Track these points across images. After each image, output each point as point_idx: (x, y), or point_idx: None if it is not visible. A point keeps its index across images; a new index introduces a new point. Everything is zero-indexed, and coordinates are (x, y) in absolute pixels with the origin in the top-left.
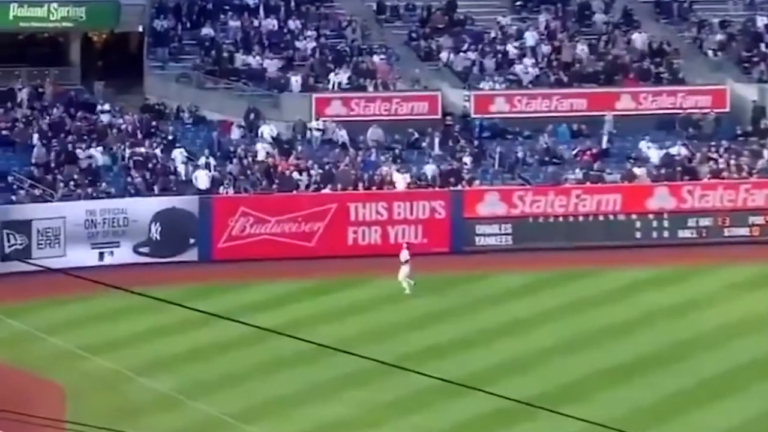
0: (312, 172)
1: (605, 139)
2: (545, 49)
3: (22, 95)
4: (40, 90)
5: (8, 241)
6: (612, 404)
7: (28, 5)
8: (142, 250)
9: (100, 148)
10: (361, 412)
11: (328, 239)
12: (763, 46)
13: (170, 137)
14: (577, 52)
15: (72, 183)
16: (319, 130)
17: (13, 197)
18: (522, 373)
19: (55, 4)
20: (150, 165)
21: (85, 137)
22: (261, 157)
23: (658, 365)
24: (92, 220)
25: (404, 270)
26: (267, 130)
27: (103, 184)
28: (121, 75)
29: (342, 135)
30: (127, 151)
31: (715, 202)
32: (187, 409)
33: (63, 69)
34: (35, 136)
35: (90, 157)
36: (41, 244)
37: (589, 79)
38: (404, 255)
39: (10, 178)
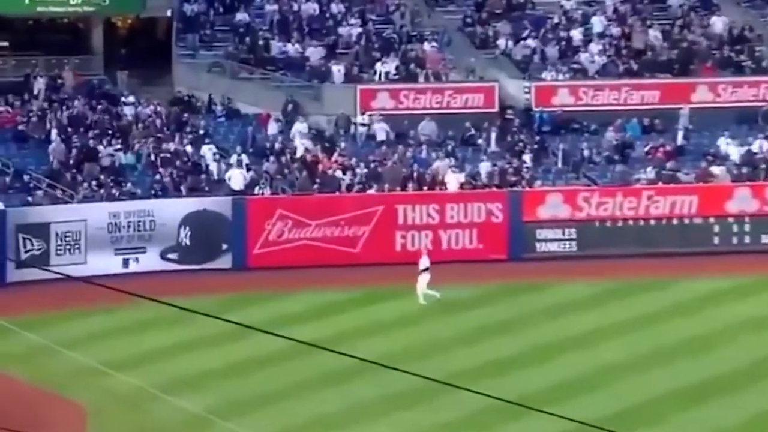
0: (357, 170)
1: (680, 134)
2: (614, 34)
3: (39, 86)
4: (59, 81)
5: (24, 246)
6: (688, 426)
7: None
8: (170, 256)
9: (124, 144)
10: None
11: (374, 245)
12: None
13: (201, 132)
14: (649, 38)
15: (94, 182)
16: (363, 124)
17: (30, 198)
18: (588, 392)
19: None
20: (179, 163)
21: (108, 132)
22: (300, 154)
23: (740, 384)
24: (116, 224)
25: (423, 279)
26: (300, 128)
27: (128, 184)
28: (148, 64)
29: (383, 128)
30: (154, 148)
31: None
32: (219, 430)
33: (84, 57)
34: (53, 131)
35: (113, 153)
36: (60, 249)
37: (662, 69)
38: (423, 262)
39: (26, 178)
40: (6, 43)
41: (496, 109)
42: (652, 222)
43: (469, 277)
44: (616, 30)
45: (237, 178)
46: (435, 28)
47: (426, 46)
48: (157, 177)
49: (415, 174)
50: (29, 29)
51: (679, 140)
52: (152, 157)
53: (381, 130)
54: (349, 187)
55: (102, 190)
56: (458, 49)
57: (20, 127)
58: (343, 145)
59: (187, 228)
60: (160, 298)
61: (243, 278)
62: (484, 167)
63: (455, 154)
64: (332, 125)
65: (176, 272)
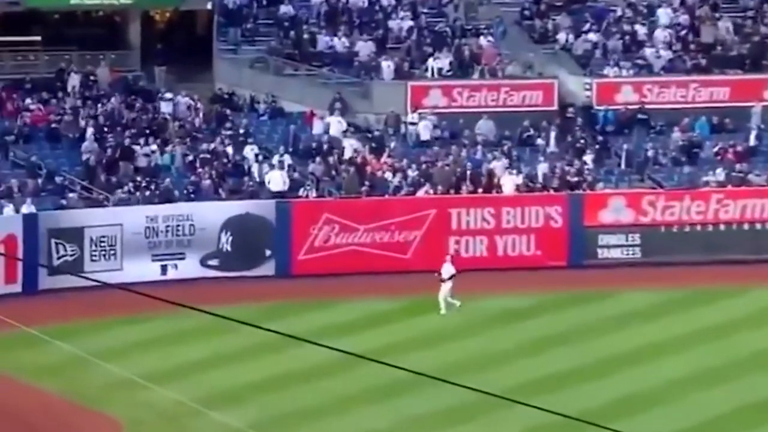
0: (408, 172)
1: (752, 134)
2: (681, 28)
3: (73, 82)
4: (93, 77)
5: (57, 252)
6: None
7: None
8: (210, 262)
9: (161, 144)
10: None
11: (425, 251)
12: None
13: (243, 131)
14: (719, 32)
15: (130, 184)
16: (414, 123)
17: (63, 201)
18: (652, 407)
19: None
20: (219, 164)
21: (145, 131)
22: (348, 155)
23: None
24: (153, 228)
25: (445, 287)
26: (335, 122)
27: (167, 184)
28: (187, 60)
29: (427, 126)
30: (193, 148)
31: None
32: None
33: (120, 53)
34: (88, 130)
35: (149, 154)
36: (95, 255)
37: (732, 64)
38: (447, 270)
39: (58, 179)
40: (38, 38)
41: (555, 107)
42: (722, 227)
43: (527, 286)
44: (683, 22)
45: (276, 180)
46: (490, 22)
47: (481, 40)
48: (197, 179)
49: (469, 176)
50: (63, 23)
51: (751, 140)
52: (191, 158)
53: (425, 129)
54: (397, 189)
55: (138, 193)
56: (515, 43)
57: (53, 126)
58: (392, 145)
59: (229, 233)
60: (200, 307)
61: (287, 286)
62: (543, 168)
63: (512, 155)
64: (381, 124)
65: (217, 279)
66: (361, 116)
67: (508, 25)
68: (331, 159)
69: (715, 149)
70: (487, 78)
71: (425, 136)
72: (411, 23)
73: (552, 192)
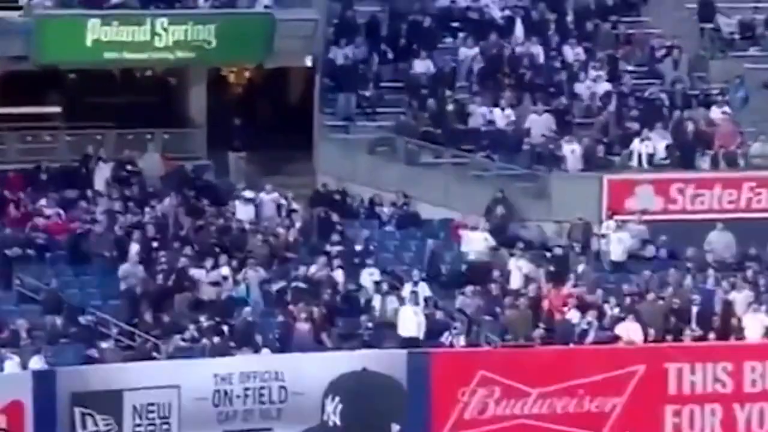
0: (605, 309)
1: None
2: None
3: (104, 174)
4: (134, 168)
5: (84, 426)
6: None
7: (117, 23)
8: None
9: (236, 268)
10: None
11: (630, 425)
12: None
13: (358, 248)
14: None
15: (191, 327)
16: (603, 235)
17: (93, 352)
18: None
19: (164, 20)
20: (323, 296)
21: (213, 248)
22: (516, 284)
23: None
24: (225, 392)
25: None
26: (480, 239)
27: (244, 327)
28: (276, 141)
29: (621, 239)
30: (283, 272)
31: None
32: None
33: (176, 131)
34: (132, 247)
35: (219, 282)
36: (139, 430)
37: None
38: None
39: (84, 320)
40: (58, 109)
41: None
42: None
43: None
44: None
45: (408, 321)
46: (726, 84)
47: (713, 112)
48: (289, 319)
49: (695, 314)
50: (92, 87)
51: None
52: (280, 288)
53: (619, 244)
54: (586, 335)
55: (204, 340)
56: (764, 116)
57: (78, 238)
58: (580, 269)
59: (337, 399)
60: None
61: None
62: None
63: (759, 284)
64: (564, 238)
65: None
66: (533, 226)
67: (753, 90)
68: (491, 289)
69: None
70: (723, 168)
71: (618, 254)
72: (608, 87)
73: None
